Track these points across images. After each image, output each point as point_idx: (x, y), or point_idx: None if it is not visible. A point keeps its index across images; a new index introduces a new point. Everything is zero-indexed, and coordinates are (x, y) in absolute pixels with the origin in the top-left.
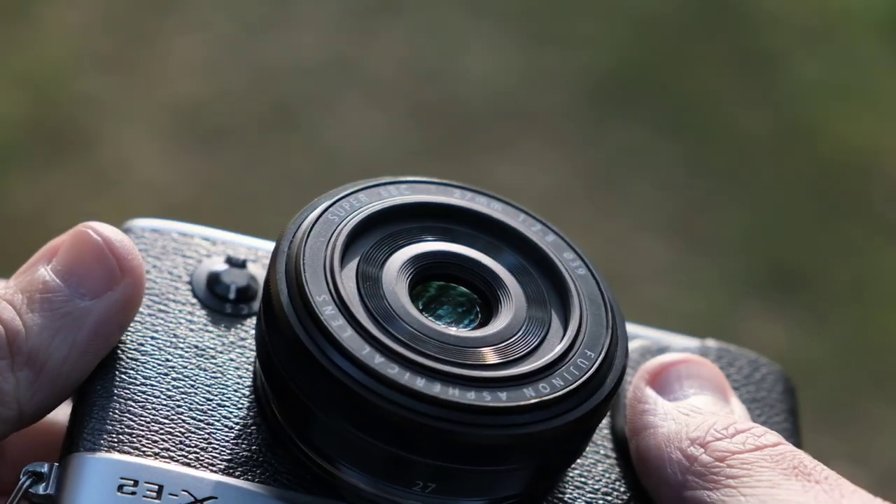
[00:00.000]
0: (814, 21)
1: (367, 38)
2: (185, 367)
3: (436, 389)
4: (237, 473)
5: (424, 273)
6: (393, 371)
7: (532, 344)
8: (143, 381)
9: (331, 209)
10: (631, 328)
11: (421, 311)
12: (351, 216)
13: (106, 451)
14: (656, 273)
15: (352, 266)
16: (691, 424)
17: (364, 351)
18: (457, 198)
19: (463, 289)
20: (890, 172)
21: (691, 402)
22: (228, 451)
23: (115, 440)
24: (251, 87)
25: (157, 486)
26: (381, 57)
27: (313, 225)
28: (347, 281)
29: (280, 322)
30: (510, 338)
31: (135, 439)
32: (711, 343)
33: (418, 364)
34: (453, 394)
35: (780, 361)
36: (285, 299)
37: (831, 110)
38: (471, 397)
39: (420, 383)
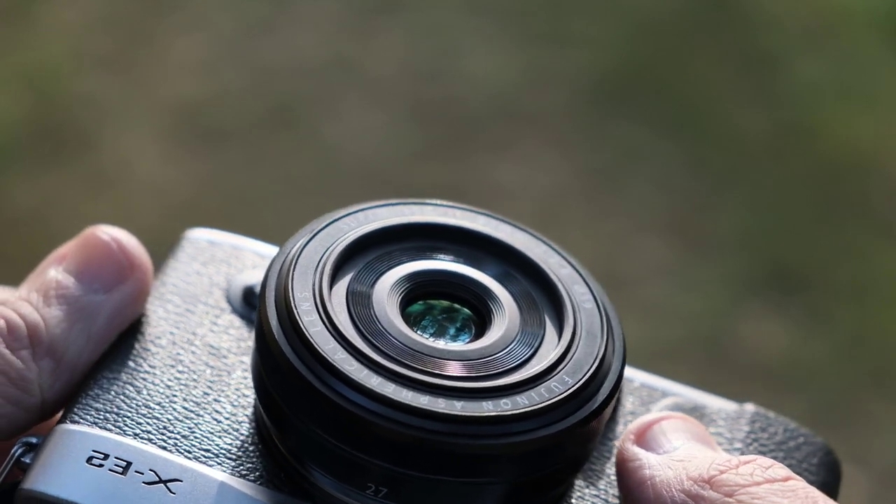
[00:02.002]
0: (814, 21)
1: (367, 38)
2: (193, 363)
3: (388, 389)
4: (211, 463)
5: (422, 290)
6: (351, 367)
7: (511, 365)
8: (148, 369)
9: (344, 219)
10: (668, 385)
11: (411, 326)
12: (361, 227)
13: (88, 425)
14: (656, 273)
15: (348, 273)
16: (689, 466)
17: (328, 346)
18: (480, 224)
19: (466, 311)
20: (890, 172)
21: (682, 451)
22: (209, 442)
23: (101, 417)
24: (251, 87)
25: (124, 463)
26: (381, 57)
27: (321, 230)
28: (338, 286)
29: (259, 311)
30: (490, 356)
31: (120, 419)
32: (749, 407)
33: (380, 365)
34: (406, 396)
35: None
36: (270, 292)
37: (831, 110)
38: (423, 401)
39: (374, 381)
